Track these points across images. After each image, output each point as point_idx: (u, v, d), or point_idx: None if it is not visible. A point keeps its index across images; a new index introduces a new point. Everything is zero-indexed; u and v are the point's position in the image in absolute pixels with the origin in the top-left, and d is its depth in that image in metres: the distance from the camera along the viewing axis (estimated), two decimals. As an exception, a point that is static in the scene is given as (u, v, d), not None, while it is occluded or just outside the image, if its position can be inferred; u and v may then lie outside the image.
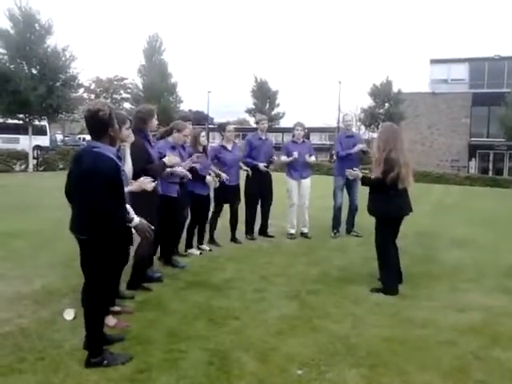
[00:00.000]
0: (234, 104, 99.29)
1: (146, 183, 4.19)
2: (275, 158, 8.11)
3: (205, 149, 6.72)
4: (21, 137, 23.69)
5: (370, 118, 34.34)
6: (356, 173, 5.64)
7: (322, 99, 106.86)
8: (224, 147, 7.28)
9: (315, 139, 48.89)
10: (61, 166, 21.17)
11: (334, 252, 7.07)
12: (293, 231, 8.03)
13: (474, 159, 35.19)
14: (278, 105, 43.32)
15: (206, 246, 6.95)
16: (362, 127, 36.64)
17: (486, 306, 4.77)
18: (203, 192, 6.59)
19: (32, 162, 20.98)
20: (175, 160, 5.18)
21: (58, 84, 20.77)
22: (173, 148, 5.65)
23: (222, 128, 7.56)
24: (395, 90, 33.95)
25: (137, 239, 4.91)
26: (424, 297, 5.04)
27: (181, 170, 5.55)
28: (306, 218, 8.12)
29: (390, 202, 5.14)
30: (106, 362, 3.32)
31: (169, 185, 5.48)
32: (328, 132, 51.45)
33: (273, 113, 42.29)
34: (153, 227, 3.55)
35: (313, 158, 8.18)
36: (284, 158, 8.07)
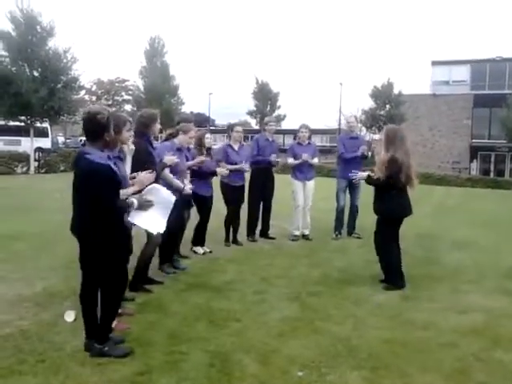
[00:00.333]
0: (235, 106, 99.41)
1: (146, 177, 4.16)
2: (278, 160, 8.08)
3: (209, 150, 6.74)
4: (22, 139, 23.67)
5: (371, 120, 34.33)
6: (361, 175, 5.69)
7: (323, 101, 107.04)
8: (231, 147, 7.32)
9: (316, 141, 48.52)
10: (62, 168, 21.20)
11: (335, 254, 7.06)
12: (297, 233, 8.02)
13: (475, 161, 35.13)
14: (279, 107, 43.38)
15: (206, 248, 6.92)
16: (363, 129, 36.63)
17: (487, 307, 4.76)
18: (205, 193, 6.59)
19: (33, 164, 20.97)
20: (174, 160, 5.20)
21: (59, 86, 20.76)
22: (178, 150, 5.66)
23: (230, 128, 7.65)
24: (396, 91, 33.94)
25: (143, 241, 4.95)
26: (425, 298, 5.03)
27: (177, 182, 5.51)
28: (307, 220, 8.11)
29: (394, 202, 5.20)
30: (106, 348, 3.39)
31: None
32: (329, 134, 51.39)
33: (274, 115, 42.31)
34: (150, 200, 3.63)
35: (316, 160, 8.17)
36: (291, 161, 8.05)
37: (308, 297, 5.00)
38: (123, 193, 3.52)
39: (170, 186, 5.32)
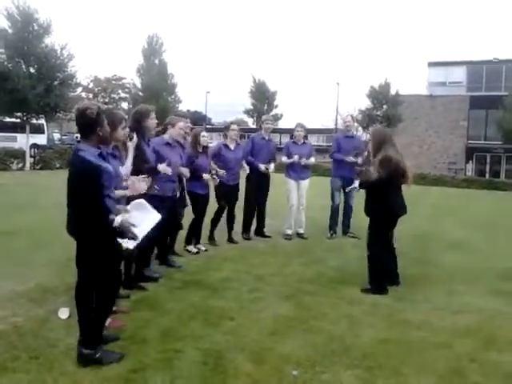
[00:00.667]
0: (233, 104, 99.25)
1: (139, 185, 4.15)
2: (269, 169, 8.01)
3: (205, 149, 6.70)
4: (18, 135, 23.65)
5: (368, 120, 34.35)
6: (353, 187, 5.68)
7: (320, 100, 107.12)
8: (226, 146, 7.29)
9: (313, 140, 48.67)
10: (58, 165, 21.15)
11: (329, 253, 7.07)
12: (290, 232, 8.03)
13: (471, 162, 35.24)
14: (277, 106, 43.30)
15: (201, 246, 6.93)
16: (360, 129, 36.67)
17: (482, 308, 4.77)
18: (201, 191, 6.57)
19: (29, 161, 20.93)
20: (167, 171, 5.13)
21: (55, 83, 20.73)
22: (168, 144, 5.56)
23: (226, 127, 7.59)
24: (393, 92, 33.98)
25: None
26: (420, 299, 5.04)
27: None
28: (302, 219, 8.12)
29: (386, 202, 5.16)
30: (98, 355, 3.32)
31: (164, 184, 5.44)
32: (326, 133, 51.44)
33: (271, 114, 42.29)
34: (136, 230, 3.43)
35: (312, 160, 8.14)
36: (284, 159, 8.06)
37: (303, 296, 5.00)
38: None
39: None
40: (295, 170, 8.01)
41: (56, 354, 3.44)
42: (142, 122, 4.92)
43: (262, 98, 41.94)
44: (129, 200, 4.04)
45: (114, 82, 53.79)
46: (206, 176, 6.58)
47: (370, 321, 4.36)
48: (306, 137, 8.27)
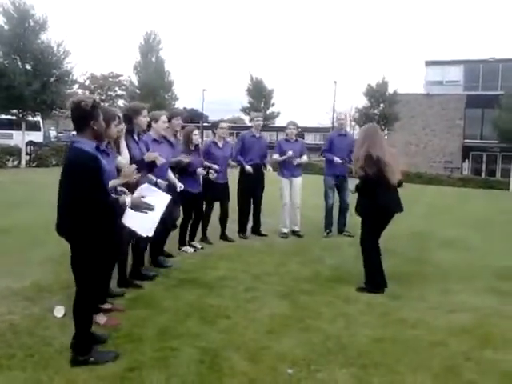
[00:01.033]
0: (230, 102, 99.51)
1: (131, 169, 4.09)
2: (269, 164, 8.04)
3: (197, 147, 6.68)
4: (14, 132, 23.56)
5: (365, 119, 34.34)
6: (351, 189, 5.64)
7: (316, 99, 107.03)
8: (215, 144, 7.27)
9: (309, 139, 48.94)
10: (54, 162, 21.06)
11: (326, 251, 7.07)
12: (285, 230, 8.03)
13: (467, 161, 35.33)
14: (273, 104, 43.27)
15: (197, 244, 6.92)
16: (357, 127, 36.71)
17: (477, 306, 4.79)
18: (194, 189, 6.54)
19: (25, 158, 20.85)
20: (153, 155, 5.00)
21: (52, 80, 20.65)
22: (155, 141, 5.48)
23: (215, 125, 7.56)
24: (391, 90, 33.99)
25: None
26: (415, 297, 5.05)
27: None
28: (297, 217, 8.12)
29: (375, 200, 5.11)
30: (92, 359, 3.30)
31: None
32: (322, 132, 51.49)
33: (268, 112, 42.28)
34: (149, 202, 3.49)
35: (305, 158, 8.16)
36: (276, 156, 8.07)
37: (299, 294, 5.00)
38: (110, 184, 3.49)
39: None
40: (288, 168, 8.01)
41: (51, 353, 3.43)
42: (133, 118, 4.89)
43: (259, 96, 41.91)
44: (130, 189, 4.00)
45: (110, 79, 53.65)
46: (199, 170, 6.56)
47: (366, 319, 4.37)
48: (298, 135, 8.25)
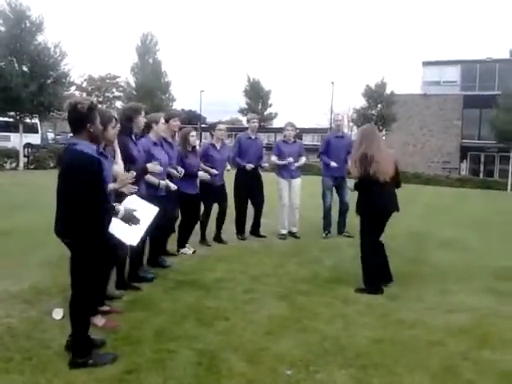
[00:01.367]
0: (227, 103, 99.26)
1: (128, 176, 4.08)
2: (266, 162, 8.04)
3: (194, 149, 6.67)
4: (12, 134, 23.52)
5: (363, 119, 34.37)
6: (350, 187, 5.66)
7: (314, 100, 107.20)
8: (213, 146, 7.25)
9: (307, 140, 48.92)
10: (52, 165, 21.05)
11: (324, 252, 7.07)
12: (284, 232, 8.03)
13: (465, 161, 35.37)
14: (271, 105, 43.33)
15: (189, 248, 6.78)
16: (355, 128, 36.73)
17: (475, 307, 4.79)
18: (192, 191, 6.53)
19: (23, 160, 20.84)
20: (157, 169, 5.09)
21: (49, 81, 20.63)
22: (155, 144, 5.47)
23: (212, 127, 7.55)
24: (389, 91, 34.02)
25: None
26: (414, 298, 5.05)
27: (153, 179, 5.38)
28: (296, 218, 8.12)
29: (372, 200, 5.14)
30: (91, 361, 3.29)
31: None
32: (320, 133, 51.42)
33: (265, 113, 42.31)
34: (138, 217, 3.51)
35: (303, 160, 8.16)
36: (275, 159, 8.06)
37: (297, 295, 5.00)
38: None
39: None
40: (287, 169, 8.01)
41: (49, 355, 3.42)
42: (133, 118, 4.89)
43: (257, 97, 41.97)
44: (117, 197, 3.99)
45: (107, 80, 53.71)
46: (201, 174, 6.57)
47: (365, 320, 4.37)
48: (296, 136, 8.26)
